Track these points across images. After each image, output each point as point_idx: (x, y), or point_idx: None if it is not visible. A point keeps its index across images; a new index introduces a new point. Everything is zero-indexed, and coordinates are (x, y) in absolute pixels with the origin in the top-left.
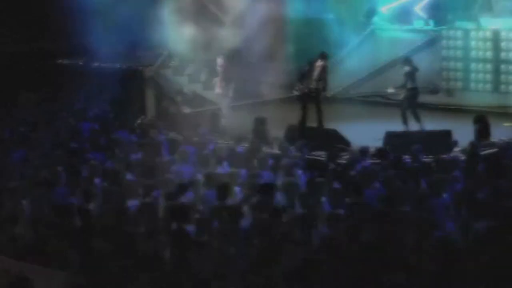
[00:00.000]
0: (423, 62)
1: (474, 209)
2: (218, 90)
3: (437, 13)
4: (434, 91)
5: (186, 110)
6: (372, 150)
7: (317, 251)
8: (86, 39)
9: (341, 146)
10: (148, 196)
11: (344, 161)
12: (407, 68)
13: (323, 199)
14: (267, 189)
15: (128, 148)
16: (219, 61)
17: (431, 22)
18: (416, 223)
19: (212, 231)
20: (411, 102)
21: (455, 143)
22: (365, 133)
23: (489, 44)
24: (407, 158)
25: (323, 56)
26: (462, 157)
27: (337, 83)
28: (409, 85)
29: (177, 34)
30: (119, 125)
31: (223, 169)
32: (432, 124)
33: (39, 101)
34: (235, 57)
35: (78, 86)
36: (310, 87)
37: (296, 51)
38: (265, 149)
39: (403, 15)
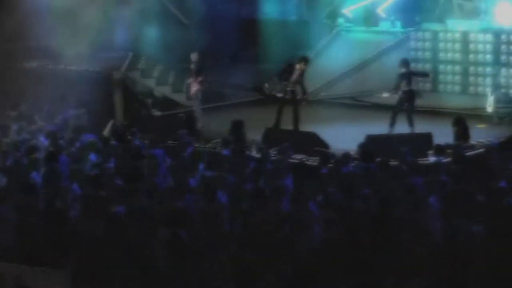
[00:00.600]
0: (391, 63)
1: (464, 211)
2: (194, 89)
3: (403, 14)
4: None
5: (157, 113)
6: (352, 153)
7: (311, 256)
8: (51, 40)
9: (320, 149)
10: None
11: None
12: (403, 70)
13: (313, 202)
14: (257, 193)
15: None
16: (193, 56)
17: (398, 24)
18: (409, 227)
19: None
20: (411, 104)
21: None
22: (340, 135)
23: (457, 46)
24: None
25: (305, 60)
26: (445, 160)
27: (306, 84)
28: (405, 88)
29: (141, 35)
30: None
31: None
32: (405, 126)
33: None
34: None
35: (44, 89)
36: (286, 90)
37: (263, 53)
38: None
39: (368, 17)
